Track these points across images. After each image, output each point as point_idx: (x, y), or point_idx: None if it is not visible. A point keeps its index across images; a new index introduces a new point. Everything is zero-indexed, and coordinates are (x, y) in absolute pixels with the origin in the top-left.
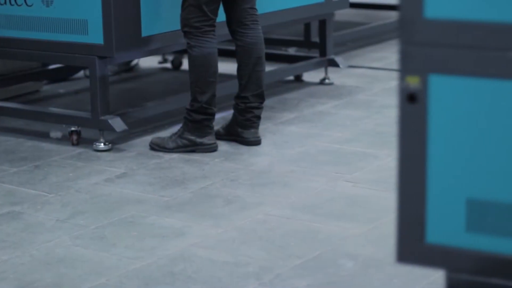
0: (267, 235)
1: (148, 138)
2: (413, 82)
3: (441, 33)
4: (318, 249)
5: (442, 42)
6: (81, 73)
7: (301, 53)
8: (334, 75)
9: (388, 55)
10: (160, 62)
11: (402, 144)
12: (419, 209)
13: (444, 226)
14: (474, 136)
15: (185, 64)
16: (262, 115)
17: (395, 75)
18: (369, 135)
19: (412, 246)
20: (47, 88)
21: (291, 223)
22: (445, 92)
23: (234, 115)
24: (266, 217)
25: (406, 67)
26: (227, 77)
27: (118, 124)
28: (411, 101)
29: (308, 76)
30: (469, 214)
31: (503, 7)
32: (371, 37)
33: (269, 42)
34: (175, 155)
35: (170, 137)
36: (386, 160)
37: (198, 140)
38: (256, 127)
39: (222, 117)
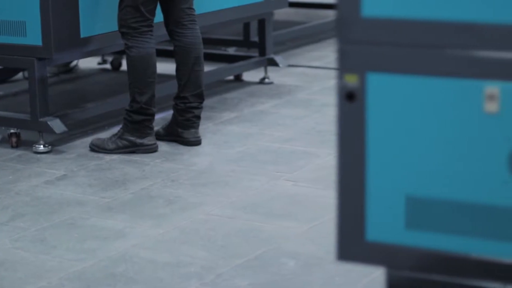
0: (209, 235)
1: (88, 140)
2: (351, 80)
3: (378, 32)
4: (259, 248)
5: (380, 41)
6: (20, 75)
7: (241, 52)
8: (273, 74)
9: (327, 54)
10: (99, 63)
11: (341, 143)
12: (358, 207)
13: (384, 224)
14: (412, 133)
15: (124, 65)
16: (202, 115)
17: (334, 73)
18: (309, 134)
19: (352, 244)
20: None
21: (232, 223)
22: (383, 90)
23: (174, 115)
24: (207, 217)
25: (344, 66)
26: (166, 77)
27: (57, 125)
28: (350, 100)
29: (248, 76)
30: (408, 211)
31: (438, 4)
32: (310, 36)
33: (208, 42)
34: (115, 156)
35: (110, 138)
36: (326, 159)
37: (138, 141)
38: (196, 127)
39: (162, 118)
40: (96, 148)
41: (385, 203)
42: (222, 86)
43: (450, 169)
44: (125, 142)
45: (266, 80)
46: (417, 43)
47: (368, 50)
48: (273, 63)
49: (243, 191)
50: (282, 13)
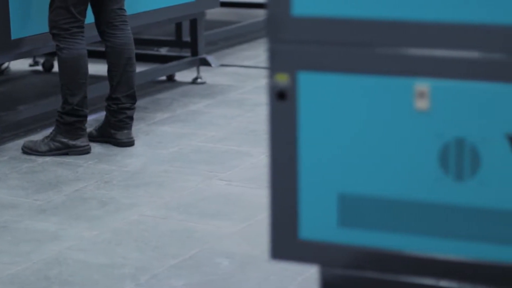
0: (143, 236)
1: (20, 142)
2: (282, 79)
3: (308, 31)
4: (194, 248)
5: (310, 40)
6: None
7: (173, 53)
8: (206, 74)
9: (259, 53)
10: (31, 65)
11: (273, 141)
12: (291, 206)
13: (317, 222)
14: (344, 131)
15: (56, 67)
16: (135, 116)
17: (266, 73)
18: (242, 133)
19: (286, 243)
20: None
21: (166, 223)
22: (314, 88)
23: (106, 116)
24: (141, 218)
25: (274, 65)
26: (98, 78)
27: None
28: (281, 98)
29: (180, 76)
30: (340, 209)
31: (367, 3)
32: (243, 36)
33: (140, 42)
34: (48, 158)
35: (43, 140)
36: (260, 158)
37: (71, 142)
38: (129, 128)
39: (94, 119)
40: (28, 150)
41: (317, 202)
42: (155, 86)
43: (382, 166)
44: (57, 144)
45: (199, 80)
46: (347, 42)
47: (298, 49)
48: (206, 63)
49: (176, 191)
50: (214, 13)
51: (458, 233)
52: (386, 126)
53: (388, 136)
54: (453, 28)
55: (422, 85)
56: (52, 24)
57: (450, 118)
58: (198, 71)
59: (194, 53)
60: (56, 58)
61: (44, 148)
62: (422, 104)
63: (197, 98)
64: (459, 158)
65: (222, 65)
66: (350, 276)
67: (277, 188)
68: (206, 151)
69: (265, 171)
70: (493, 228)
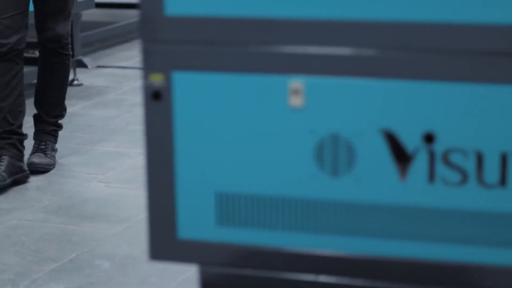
0: (21, 240)
1: None
2: (157, 79)
3: (182, 30)
4: (74, 251)
5: (184, 39)
6: None
7: None
8: (83, 75)
9: (136, 53)
10: None
11: (148, 142)
12: (168, 206)
13: (195, 221)
14: (220, 130)
15: None
16: None
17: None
18: (120, 134)
19: (164, 243)
20: None
21: (45, 227)
22: (189, 88)
23: None
24: (19, 223)
25: (149, 65)
26: None
27: None
28: (156, 99)
29: None
30: (218, 207)
31: (240, 2)
32: (119, 37)
33: None
34: None
35: None
36: (138, 159)
37: None
38: None
39: None
40: None
41: (195, 201)
42: (31, 89)
43: (258, 164)
44: None
45: (75, 82)
46: (220, 41)
47: (172, 49)
48: (82, 65)
49: (55, 194)
50: (89, 14)
51: (335, 229)
52: (261, 124)
53: (264, 134)
54: (325, 25)
55: (296, 82)
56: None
57: (325, 115)
58: (74, 73)
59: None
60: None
61: None
62: (296, 101)
63: (74, 100)
64: (334, 154)
65: (99, 67)
66: (230, 275)
67: (154, 189)
68: (84, 153)
69: (143, 171)
70: (369, 222)
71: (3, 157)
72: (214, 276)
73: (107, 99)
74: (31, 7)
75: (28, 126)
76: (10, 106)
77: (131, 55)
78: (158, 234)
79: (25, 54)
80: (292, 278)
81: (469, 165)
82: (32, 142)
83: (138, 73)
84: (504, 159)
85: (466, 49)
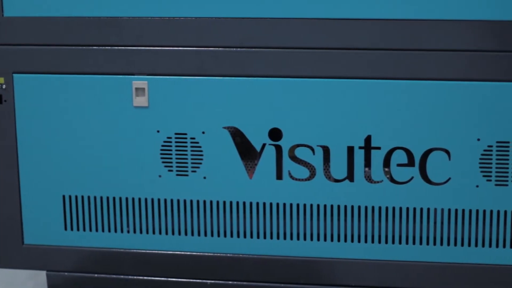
0: None
1: None
2: None
3: (22, 32)
4: None
5: (23, 41)
6: None
7: None
8: None
9: None
10: None
11: None
12: (14, 211)
13: (42, 227)
14: (66, 132)
15: None
16: None
17: None
18: None
19: (12, 250)
20: None
21: None
22: (30, 90)
23: None
24: None
25: None
26: None
27: None
28: None
29: None
30: (65, 212)
31: (82, 2)
32: None
33: None
34: None
35: None
36: None
37: None
38: None
39: None
40: None
41: (42, 206)
42: None
43: (105, 166)
44: None
45: None
46: (57, 42)
47: (12, 51)
48: None
49: None
50: None
51: (184, 229)
52: (108, 125)
53: (111, 135)
54: (168, 24)
55: (140, 82)
56: None
57: (170, 114)
58: None
59: None
60: None
61: None
62: (141, 101)
63: None
64: (181, 153)
65: None
66: (78, 279)
67: (0, 196)
68: None
69: None
70: (219, 221)
71: None
72: (63, 281)
73: None
74: None
75: None
76: None
77: None
78: (6, 241)
79: None
80: (142, 279)
81: (316, 160)
82: None
83: None
84: (350, 153)
85: (307, 45)
